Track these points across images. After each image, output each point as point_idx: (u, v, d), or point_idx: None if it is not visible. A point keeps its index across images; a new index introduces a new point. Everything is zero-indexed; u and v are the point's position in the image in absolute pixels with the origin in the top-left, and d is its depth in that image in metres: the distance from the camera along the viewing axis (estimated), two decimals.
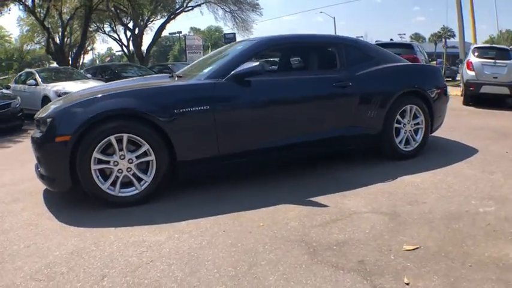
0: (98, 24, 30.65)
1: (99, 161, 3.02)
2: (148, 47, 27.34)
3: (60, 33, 20.56)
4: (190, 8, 24.99)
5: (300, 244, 2.32)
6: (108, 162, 3.04)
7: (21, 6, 15.91)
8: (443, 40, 48.85)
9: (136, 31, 26.96)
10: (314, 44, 4.38)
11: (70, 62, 20.64)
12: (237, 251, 2.26)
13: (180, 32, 38.97)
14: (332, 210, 2.80)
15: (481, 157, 4.07)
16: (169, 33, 40.74)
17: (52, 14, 19.23)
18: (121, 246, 2.41)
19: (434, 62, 21.01)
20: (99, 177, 3.04)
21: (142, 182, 3.11)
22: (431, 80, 4.37)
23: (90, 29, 30.61)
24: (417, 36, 63.36)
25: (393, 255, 2.15)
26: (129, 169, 3.08)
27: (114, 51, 57.19)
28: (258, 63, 3.26)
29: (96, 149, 2.97)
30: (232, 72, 3.27)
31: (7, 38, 41.07)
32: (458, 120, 6.63)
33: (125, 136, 3.01)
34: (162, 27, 26.77)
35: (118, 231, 2.63)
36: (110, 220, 2.81)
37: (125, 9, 21.34)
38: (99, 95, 3.20)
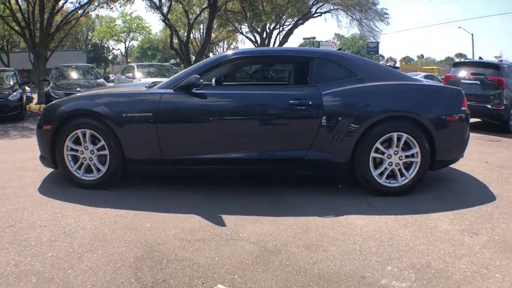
0: (235, 25, 33.58)
1: (71, 149, 3.99)
2: None
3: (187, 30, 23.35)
4: (318, 14, 25.76)
5: (142, 250, 2.65)
6: (77, 150, 3.98)
7: (147, 2, 18.70)
8: None
9: (264, 35, 29.02)
10: (282, 58, 4.53)
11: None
12: (94, 237, 2.87)
13: (314, 38, 40.27)
14: (222, 231, 2.98)
15: (486, 209, 3.53)
16: (304, 38, 42.47)
17: (176, 10, 22.07)
18: (43, 213, 3.36)
19: None
20: (71, 161, 4.03)
21: (100, 172, 3.94)
22: (438, 105, 3.88)
23: (231, 29, 34.08)
24: None
25: None
26: (91, 159, 3.95)
27: None
28: (195, 76, 3.71)
29: (68, 139, 3.96)
30: (179, 84, 3.80)
31: (147, 30, 48.22)
32: None
33: (88, 132, 3.91)
34: (289, 32, 28.26)
35: (58, 203, 3.59)
36: (68, 196, 3.76)
37: (244, 13, 23.15)
38: (77, 95, 4.16)
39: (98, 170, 3.95)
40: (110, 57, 52.98)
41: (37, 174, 4.52)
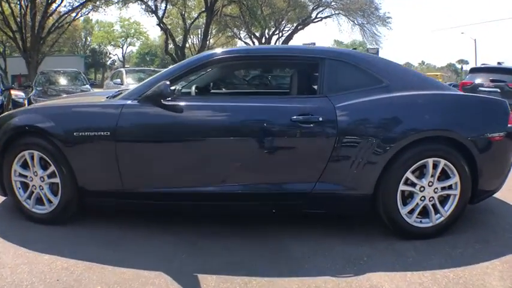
0: (234, 31, 33.08)
1: (20, 174, 3.16)
2: None
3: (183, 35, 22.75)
4: (319, 19, 25.07)
5: None
6: (26, 176, 3.14)
7: (143, 6, 17.99)
8: None
9: (263, 40, 28.35)
10: (283, 59, 3.48)
11: None
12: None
13: (314, 44, 39.54)
14: None
15: None
16: (303, 44, 41.84)
17: (172, 14, 21.45)
18: None
19: None
20: (20, 189, 3.19)
21: (51, 204, 3.11)
22: (481, 121, 3.02)
23: (230, 35, 33.66)
24: None
25: None
26: (41, 187, 3.10)
27: None
28: (164, 83, 2.82)
29: (15, 162, 3.12)
30: (144, 94, 2.91)
31: (145, 35, 47.87)
32: None
33: (36, 153, 3.05)
34: (289, 37, 27.61)
35: (1, 244, 2.83)
36: (14, 233, 2.98)
37: (241, 18, 22.53)
38: (27, 108, 3.30)
39: (50, 201, 3.10)
40: (108, 63, 52.23)
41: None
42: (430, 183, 2.86)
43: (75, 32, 31.06)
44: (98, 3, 16.03)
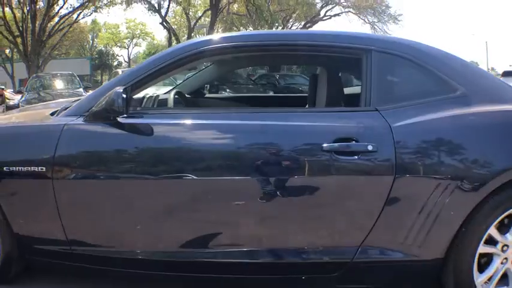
0: (240, 30, 32.49)
1: None
2: None
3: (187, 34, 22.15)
4: (328, 17, 24.23)
5: None
6: None
7: (146, 5, 17.39)
8: None
9: None
10: (308, 50, 2.23)
11: None
12: None
13: None
14: None
15: None
16: None
17: (177, 14, 20.91)
18: None
19: None
20: None
21: None
22: None
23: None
24: None
25: None
26: None
27: None
28: (115, 91, 1.82)
29: None
30: (92, 109, 1.96)
31: (151, 35, 47.76)
32: None
33: None
34: None
35: None
36: None
37: (250, 15, 21.82)
38: None
39: None
40: (114, 64, 51.89)
41: None
42: None
43: (81, 34, 30.45)
44: (99, 3, 15.36)
